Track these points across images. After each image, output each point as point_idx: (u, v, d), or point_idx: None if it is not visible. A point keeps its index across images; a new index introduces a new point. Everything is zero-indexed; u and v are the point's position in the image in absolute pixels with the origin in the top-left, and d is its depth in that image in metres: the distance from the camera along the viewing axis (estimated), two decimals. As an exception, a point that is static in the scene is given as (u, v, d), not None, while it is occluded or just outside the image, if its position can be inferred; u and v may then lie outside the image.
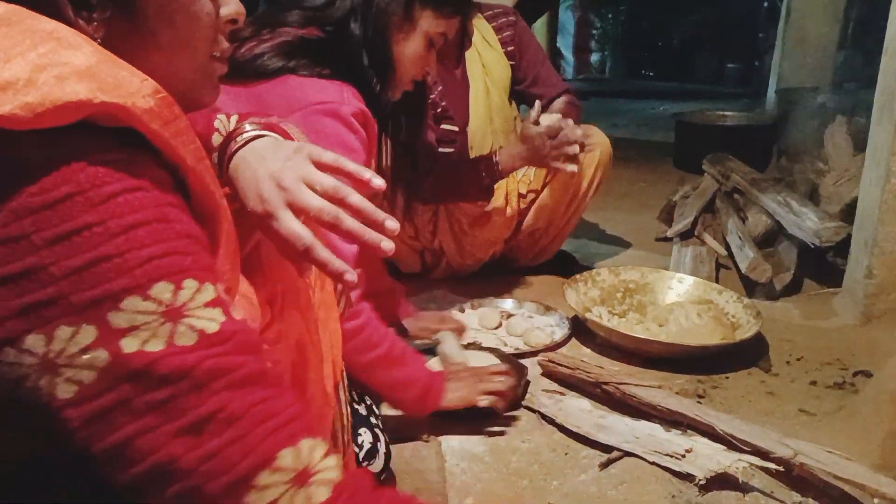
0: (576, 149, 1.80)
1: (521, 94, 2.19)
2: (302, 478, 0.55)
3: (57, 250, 0.49)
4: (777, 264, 2.16)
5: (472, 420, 1.42)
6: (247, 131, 0.76)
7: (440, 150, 2.01)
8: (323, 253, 0.69)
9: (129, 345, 0.50)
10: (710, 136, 3.74)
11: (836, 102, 3.63)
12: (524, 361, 1.65)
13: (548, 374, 1.64)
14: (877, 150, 1.90)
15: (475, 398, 1.39)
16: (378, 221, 0.69)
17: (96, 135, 0.52)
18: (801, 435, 1.38)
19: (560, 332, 1.85)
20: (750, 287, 2.14)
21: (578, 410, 1.46)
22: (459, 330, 1.77)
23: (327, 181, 0.69)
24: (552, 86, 2.17)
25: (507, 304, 2.02)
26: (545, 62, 2.21)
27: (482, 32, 2.11)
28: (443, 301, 2.06)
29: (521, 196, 2.16)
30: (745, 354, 1.74)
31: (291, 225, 0.68)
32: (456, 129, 2.04)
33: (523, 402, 1.52)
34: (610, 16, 8.95)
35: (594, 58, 8.97)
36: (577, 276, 1.99)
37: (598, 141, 2.06)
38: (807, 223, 2.13)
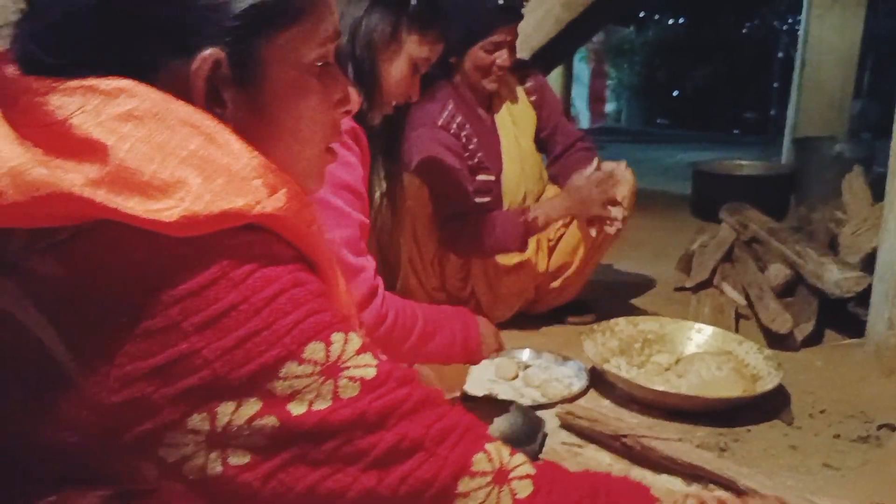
0: (623, 190, 1.88)
1: (540, 141, 2.26)
2: (501, 477, 0.57)
3: (207, 335, 0.50)
4: (797, 314, 2.14)
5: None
6: None
7: (476, 200, 2.04)
8: None
9: (296, 408, 0.51)
10: (728, 185, 3.75)
11: (853, 152, 3.64)
12: (542, 413, 1.64)
13: (566, 426, 1.62)
14: (895, 201, 1.90)
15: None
16: None
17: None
18: (825, 490, 1.36)
19: (578, 384, 1.83)
20: (770, 338, 2.12)
21: (597, 464, 1.45)
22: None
23: None
24: (569, 134, 2.27)
25: (524, 354, 2.01)
26: (562, 111, 2.30)
27: (507, 83, 2.16)
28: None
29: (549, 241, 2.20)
30: (767, 407, 1.71)
31: None
32: (492, 178, 2.09)
33: (541, 455, 1.50)
34: (626, 65, 9.08)
35: (610, 107, 9.08)
36: (595, 326, 1.98)
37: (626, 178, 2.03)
38: (827, 273, 2.11)
